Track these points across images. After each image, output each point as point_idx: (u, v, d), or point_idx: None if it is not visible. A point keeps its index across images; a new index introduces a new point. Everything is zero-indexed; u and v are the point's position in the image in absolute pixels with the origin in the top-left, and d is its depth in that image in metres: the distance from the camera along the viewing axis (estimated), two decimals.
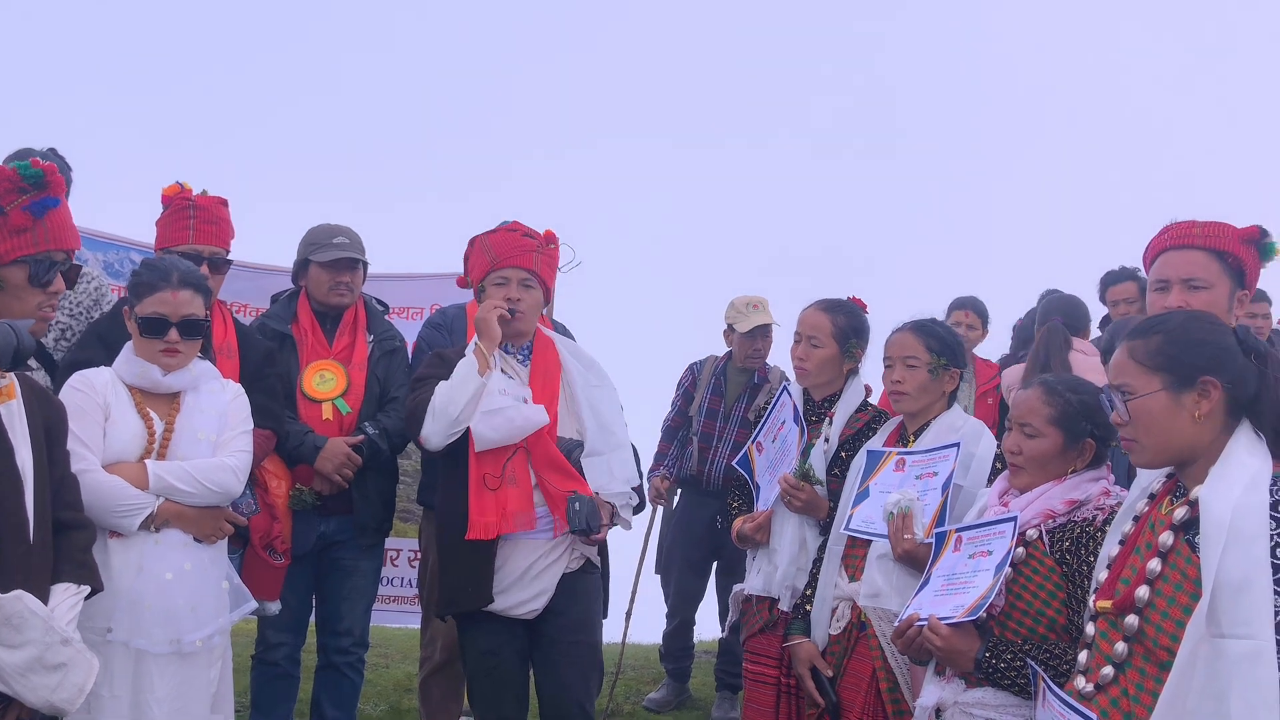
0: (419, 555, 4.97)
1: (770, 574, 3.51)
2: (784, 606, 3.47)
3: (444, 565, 3.50)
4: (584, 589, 3.47)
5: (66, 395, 2.85)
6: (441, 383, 3.38)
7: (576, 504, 3.33)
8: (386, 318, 4.53)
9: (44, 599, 2.39)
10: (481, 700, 3.49)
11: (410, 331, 5.04)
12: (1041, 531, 2.64)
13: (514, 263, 3.53)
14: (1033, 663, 2.41)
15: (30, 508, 2.41)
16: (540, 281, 3.58)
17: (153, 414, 2.98)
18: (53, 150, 3.92)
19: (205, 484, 2.95)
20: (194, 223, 3.76)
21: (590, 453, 3.49)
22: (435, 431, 3.35)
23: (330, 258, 4.13)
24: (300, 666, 4.26)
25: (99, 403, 2.90)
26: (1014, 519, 2.64)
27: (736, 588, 3.70)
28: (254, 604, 3.15)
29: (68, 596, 2.46)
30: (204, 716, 2.93)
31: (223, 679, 3.03)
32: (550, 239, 3.63)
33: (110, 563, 2.71)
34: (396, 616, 5.56)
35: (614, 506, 3.50)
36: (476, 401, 3.33)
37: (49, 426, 2.56)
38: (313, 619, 4.35)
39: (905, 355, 3.34)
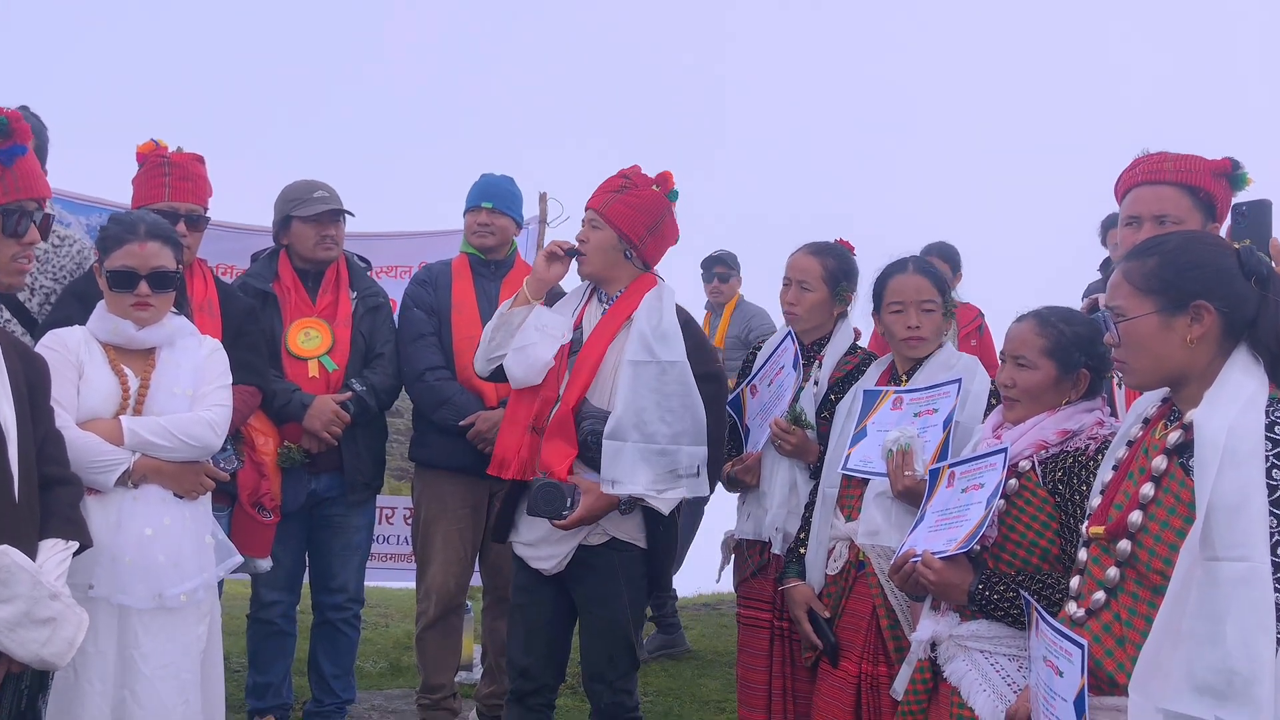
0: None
1: (760, 518, 3.48)
2: (776, 549, 3.44)
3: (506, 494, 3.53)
4: (601, 565, 3.34)
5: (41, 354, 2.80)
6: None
7: (534, 487, 3.25)
8: (370, 274, 4.47)
9: (31, 555, 2.36)
10: (512, 634, 3.52)
11: (400, 290, 5.01)
12: (1034, 462, 2.60)
13: (589, 203, 3.46)
14: (1025, 593, 2.38)
15: (14, 464, 2.38)
16: (610, 222, 3.38)
17: (127, 370, 2.93)
18: (25, 108, 3.85)
19: (182, 438, 2.91)
20: (169, 179, 3.69)
21: (610, 435, 3.22)
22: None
23: (314, 211, 4.07)
24: (296, 624, 4.25)
25: (72, 360, 2.86)
26: (1004, 450, 2.60)
27: (726, 532, 3.66)
28: (239, 559, 3.12)
29: (56, 552, 2.43)
30: (193, 672, 2.90)
31: (211, 635, 3.00)
32: (659, 181, 3.44)
33: (89, 519, 2.66)
34: (395, 575, 5.55)
35: (612, 499, 3.26)
36: (505, 331, 3.36)
37: (31, 382, 2.52)
38: (307, 577, 4.35)
39: (922, 300, 3.27)
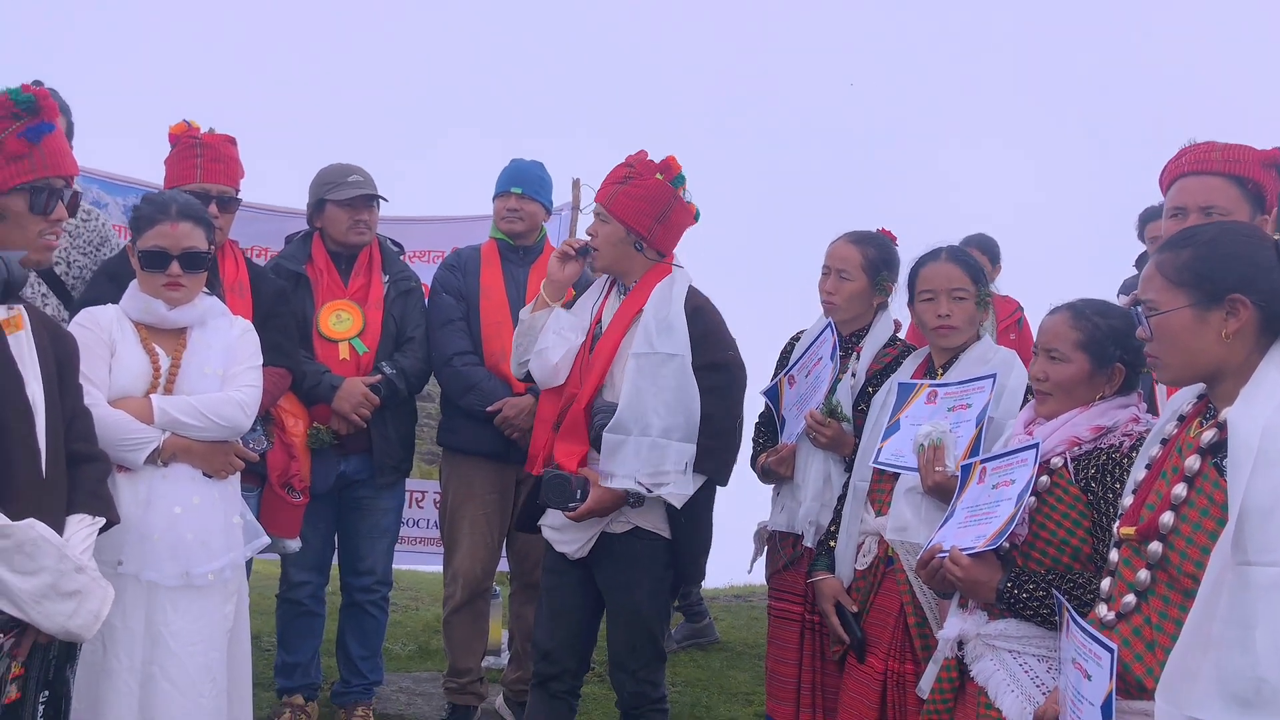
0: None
1: (794, 510, 3.44)
2: (808, 542, 3.40)
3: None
4: (623, 554, 3.34)
5: (72, 332, 2.82)
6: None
7: (543, 479, 3.29)
8: (402, 259, 4.48)
9: (59, 530, 2.38)
10: (538, 618, 3.53)
11: (430, 274, 5.01)
12: (1066, 459, 2.55)
13: (597, 196, 3.48)
14: (1057, 593, 2.33)
15: (42, 439, 2.40)
16: (615, 215, 3.37)
17: (159, 349, 2.96)
18: (39, 83, 3.88)
19: (211, 418, 2.93)
20: (201, 161, 3.71)
21: (612, 429, 3.24)
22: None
23: (348, 195, 4.08)
24: (325, 605, 4.28)
25: (104, 339, 2.88)
26: (1035, 446, 2.54)
27: (759, 524, 3.63)
28: (266, 540, 3.14)
29: (82, 527, 2.45)
30: (220, 650, 2.92)
31: (239, 614, 3.03)
32: (662, 168, 3.40)
33: (118, 497, 2.69)
34: (425, 558, 5.56)
35: (618, 491, 3.25)
36: (527, 335, 3.46)
37: (60, 359, 2.54)
38: (336, 558, 4.38)
39: (953, 288, 3.21)
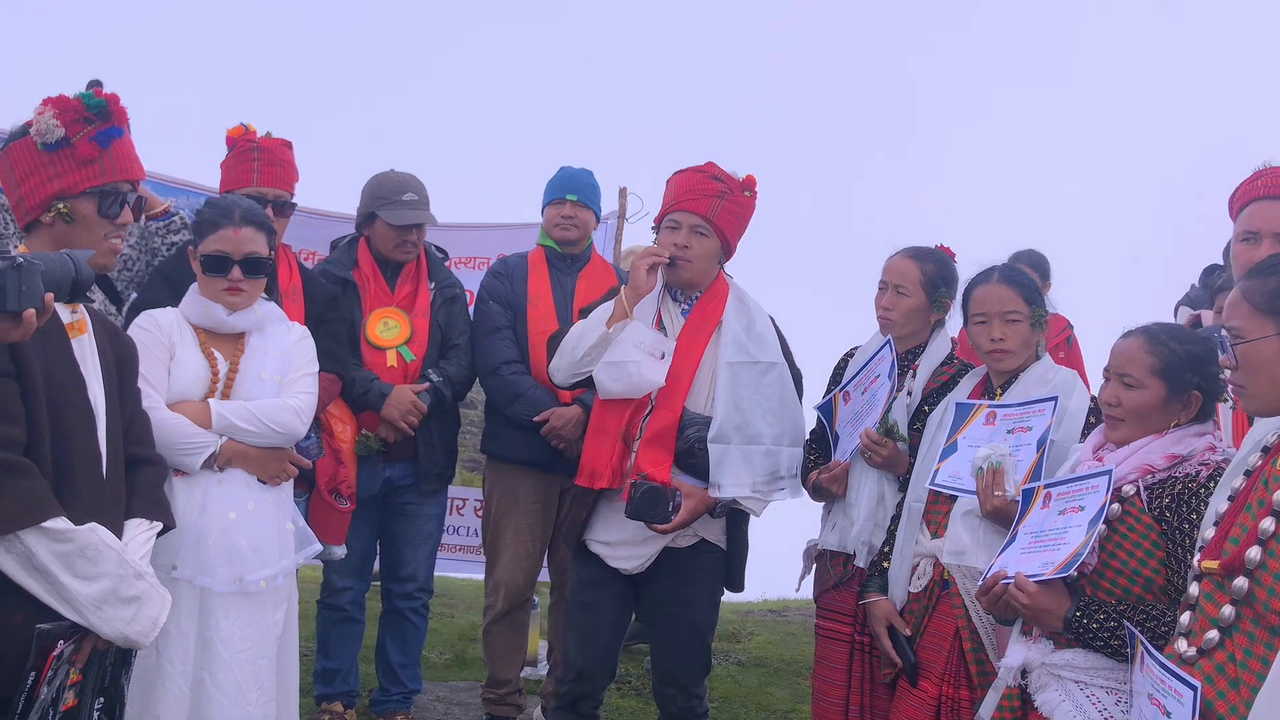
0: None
1: (846, 529, 3.38)
2: (860, 563, 3.35)
3: (575, 499, 3.52)
4: (689, 567, 3.34)
5: (132, 334, 2.83)
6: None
7: (635, 490, 3.21)
8: (447, 265, 4.47)
9: (118, 534, 2.38)
10: (570, 632, 3.47)
11: (476, 281, 5.01)
12: (1139, 487, 2.48)
13: (688, 206, 3.36)
14: (1129, 625, 2.28)
15: (103, 443, 2.40)
16: (718, 230, 3.38)
17: (217, 354, 2.96)
18: (98, 83, 3.90)
19: (268, 424, 2.92)
20: (258, 165, 3.72)
21: (715, 439, 3.26)
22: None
23: (402, 222, 4.07)
24: (365, 611, 4.27)
25: (164, 342, 2.89)
26: (1109, 472, 2.49)
27: (809, 541, 3.58)
28: (319, 547, 3.13)
29: (140, 532, 2.45)
30: (269, 658, 2.91)
31: (288, 621, 3.01)
32: (747, 185, 3.41)
33: (174, 501, 2.68)
34: (462, 566, 5.56)
35: (714, 501, 3.29)
36: (602, 348, 3.27)
37: (120, 361, 2.54)
38: (377, 566, 4.37)
39: (1006, 310, 3.14)
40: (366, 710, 4.31)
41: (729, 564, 3.44)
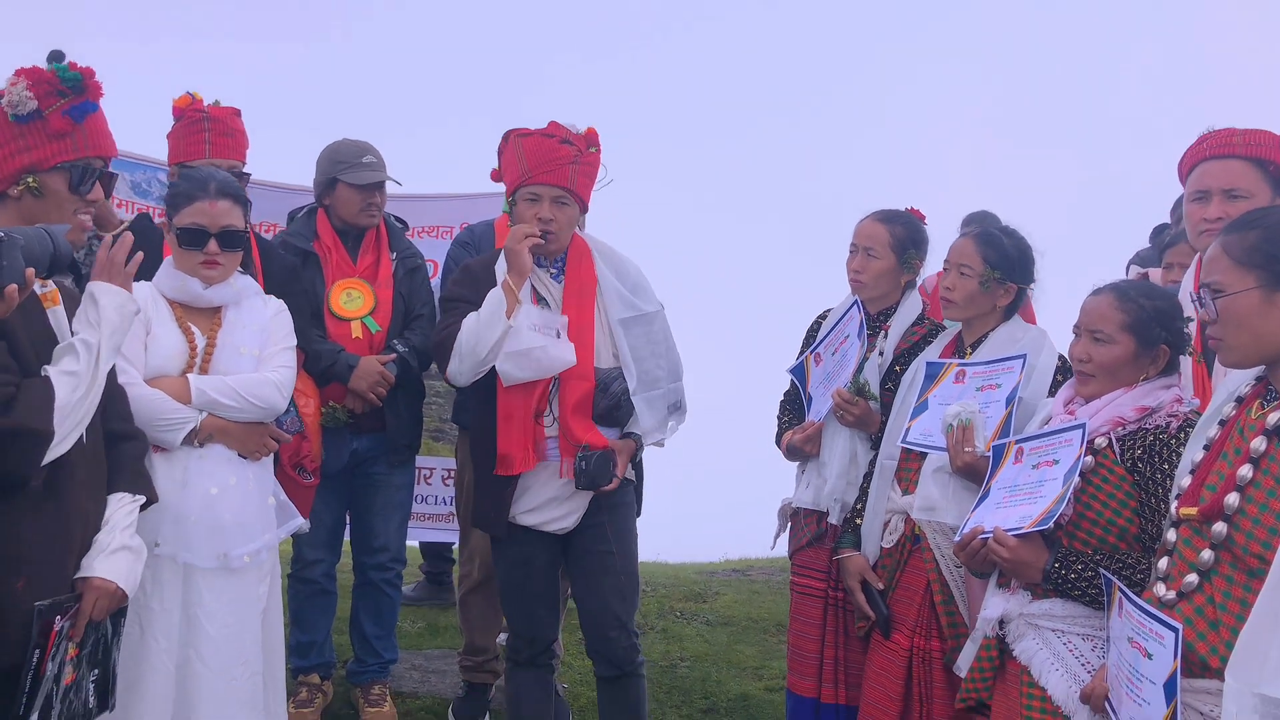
0: (453, 474, 4.95)
1: (820, 487, 3.45)
2: (833, 520, 3.42)
3: (477, 486, 3.47)
4: (616, 504, 3.39)
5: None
6: (469, 318, 3.21)
7: (583, 462, 3.22)
8: (407, 235, 4.43)
9: (100, 509, 2.38)
10: (513, 611, 3.47)
11: (441, 250, 4.97)
12: (1111, 439, 2.56)
13: (547, 179, 3.28)
14: (1106, 573, 2.35)
15: None
16: (576, 197, 3.35)
17: (194, 328, 2.92)
18: (60, 53, 3.79)
19: (248, 399, 2.90)
20: (209, 135, 3.64)
21: (636, 390, 3.36)
22: (461, 371, 3.24)
23: (364, 181, 4.01)
24: (337, 583, 4.26)
25: (139, 317, 2.83)
26: (1082, 426, 2.56)
27: (784, 500, 3.64)
28: (302, 521, 3.12)
29: (123, 505, 2.44)
30: (254, 632, 2.91)
31: (271, 595, 3.01)
32: (591, 140, 3.38)
33: (155, 477, 2.66)
34: (430, 533, 5.56)
35: (636, 446, 3.41)
36: (502, 343, 3.19)
37: None
38: (348, 538, 4.35)
39: (961, 262, 3.23)
40: (343, 681, 4.31)
41: (639, 492, 3.58)
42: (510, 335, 3.18)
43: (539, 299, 3.34)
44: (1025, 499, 2.63)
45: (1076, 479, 2.51)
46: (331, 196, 4.08)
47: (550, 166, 3.29)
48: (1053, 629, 2.54)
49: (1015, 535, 2.53)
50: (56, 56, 2.48)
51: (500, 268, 3.28)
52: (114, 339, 2.37)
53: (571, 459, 3.24)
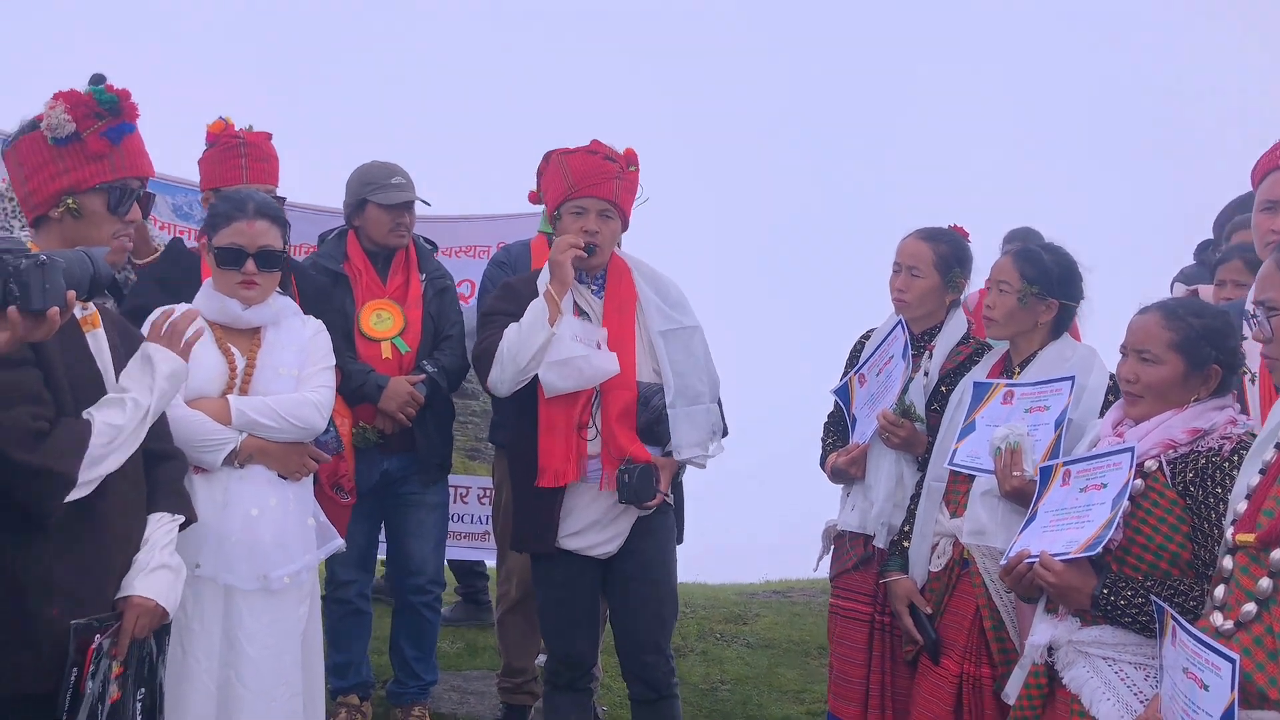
0: (489, 493, 4.94)
1: (866, 510, 3.40)
2: (879, 543, 3.36)
3: (516, 506, 3.45)
4: (658, 528, 3.39)
5: (147, 331, 2.80)
6: (510, 328, 3.23)
7: (626, 475, 3.22)
8: (438, 256, 4.46)
9: (140, 529, 2.39)
10: (552, 634, 3.47)
11: (477, 270, 4.99)
12: (1161, 462, 2.50)
13: (593, 192, 3.33)
14: (1158, 600, 2.29)
15: None
16: (619, 211, 3.40)
17: (234, 349, 2.93)
18: (101, 76, 3.84)
19: (288, 419, 2.90)
20: (245, 161, 3.69)
21: (669, 405, 3.33)
22: (502, 380, 3.26)
23: (394, 201, 4.03)
24: (370, 602, 4.26)
25: None
26: (1131, 449, 2.50)
27: (828, 522, 3.59)
28: (341, 542, 3.12)
29: (163, 525, 2.45)
30: (294, 653, 2.90)
31: (311, 616, 3.01)
32: (630, 159, 3.43)
33: (195, 498, 2.67)
34: (467, 553, 5.55)
35: (678, 465, 3.38)
36: (545, 351, 3.20)
37: (131, 357, 2.51)
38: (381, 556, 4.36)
39: (1000, 279, 3.18)
40: (382, 701, 4.31)
41: (677, 517, 3.53)
42: (553, 344, 3.20)
43: (580, 313, 3.36)
44: (1072, 523, 2.56)
45: (1125, 503, 2.45)
46: (361, 218, 4.11)
47: (595, 180, 3.35)
48: (1103, 656, 2.47)
49: (1062, 560, 2.47)
50: (97, 79, 2.51)
51: (542, 282, 3.30)
52: (161, 403, 2.41)
53: (614, 472, 3.24)
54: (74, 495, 2.19)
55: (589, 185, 3.34)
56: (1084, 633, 2.50)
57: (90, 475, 2.21)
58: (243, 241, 2.92)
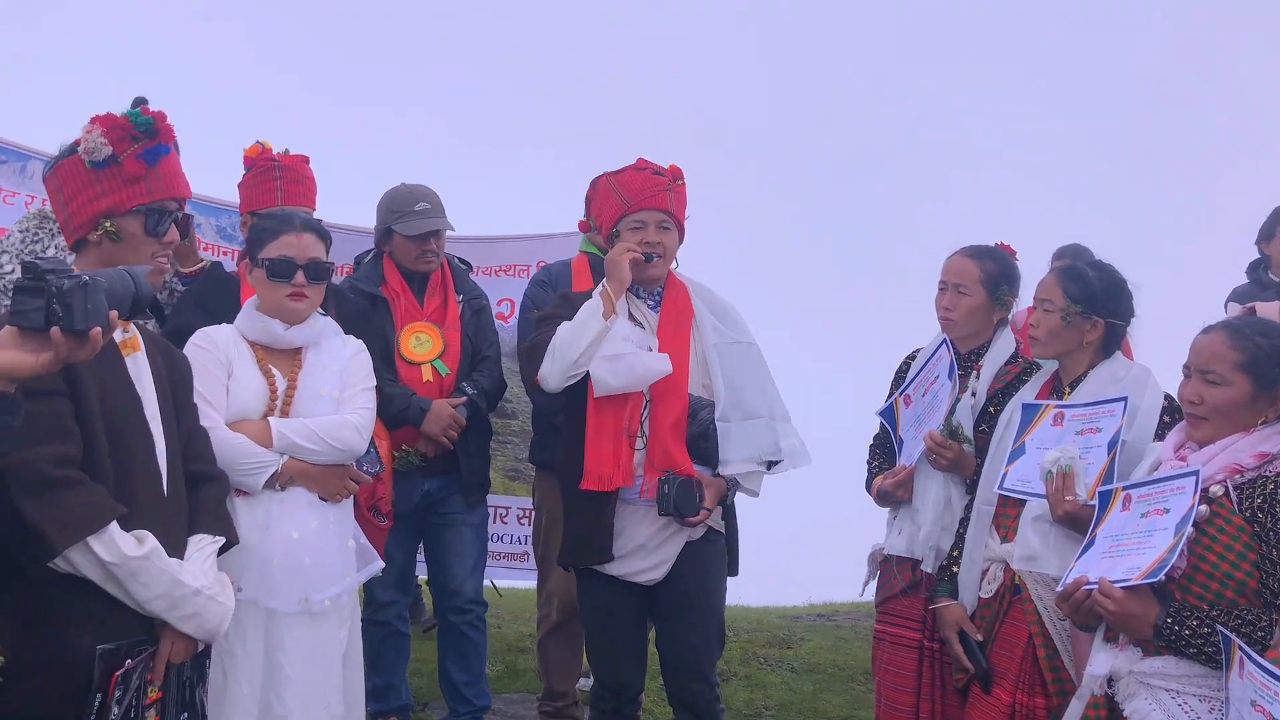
0: (529, 513, 4.92)
1: (913, 534, 3.31)
2: (927, 568, 3.28)
3: (567, 516, 3.40)
4: (707, 556, 3.33)
5: (189, 353, 2.80)
6: (564, 323, 3.24)
7: (666, 485, 3.16)
8: (473, 275, 4.45)
9: (180, 551, 2.36)
10: (598, 657, 3.44)
11: (516, 289, 4.98)
12: (1228, 487, 2.41)
13: (649, 204, 3.35)
14: (1225, 631, 2.20)
15: (162, 461, 2.38)
16: (675, 221, 3.40)
17: (275, 371, 2.92)
18: (143, 100, 3.87)
19: (330, 442, 2.88)
20: (281, 184, 3.71)
21: (719, 418, 3.28)
22: (553, 372, 3.22)
23: (416, 231, 4.03)
24: (409, 624, 4.23)
25: (221, 360, 2.85)
26: (1196, 473, 2.41)
27: (874, 546, 3.51)
28: (381, 564, 3.10)
29: (202, 548, 2.42)
30: (335, 676, 2.88)
31: (352, 639, 2.98)
32: (677, 174, 3.44)
33: (237, 521, 2.66)
34: (506, 574, 5.53)
35: (726, 484, 3.30)
36: (598, 345, 3.19)
37: (175, 379, 2.53)
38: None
39: (1044, 298, 3.10)
40: None
41: (730, 546, 3.45)
42: (606, 340, 3.19)
43: (635, 322, 3.35)
44: (1133, 549, 2.48)
45: (1190, 529, 2.36)
46: (390, 244, 4.11)
47: (649, 193, 3.37)
48: (1166, 688, 2.38)
49: (1123, 587, 2.39)
50: (139, 102, 2.51)
51: (597, 296, 3.30)
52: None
53: (655, 481, 3.19)
54: (61, 566, 2.14)
55: (644, 199, 3.36)
56: (1146, 663, 2.42)
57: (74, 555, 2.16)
58: (292, 253, 2.92)
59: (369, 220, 4.31)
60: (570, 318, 3.25)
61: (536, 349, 3.26)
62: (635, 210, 3.35)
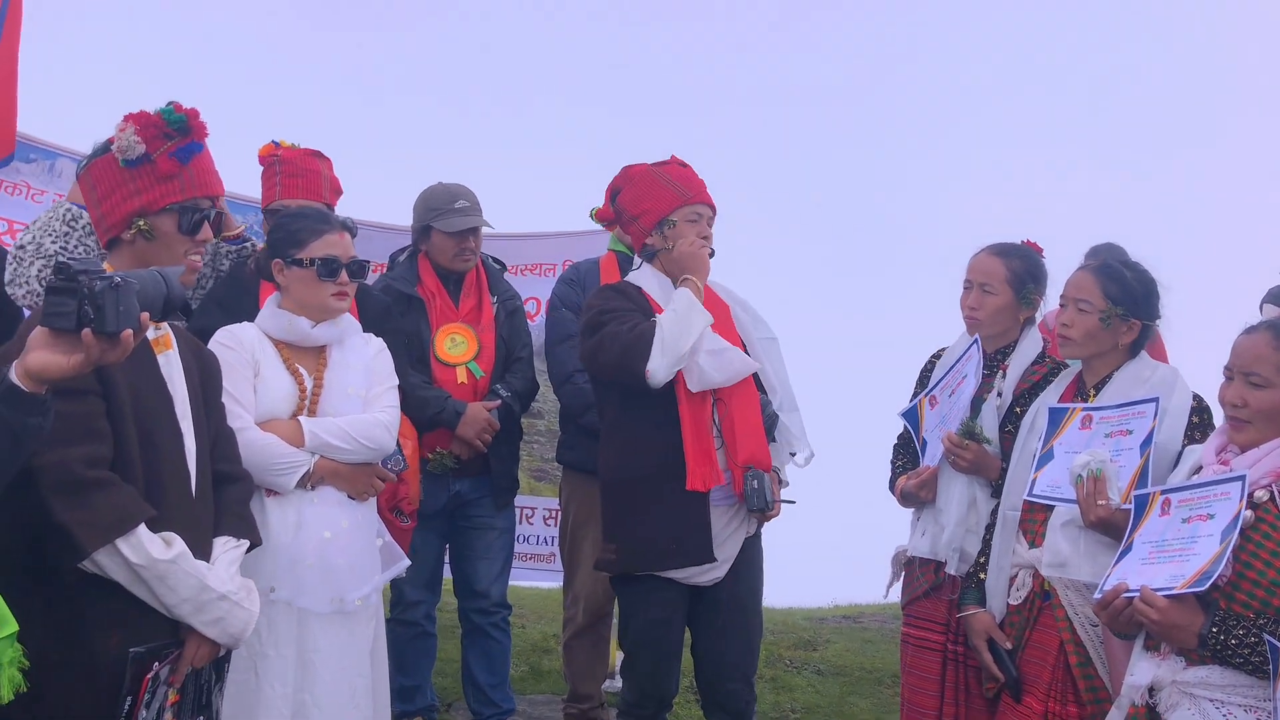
0: (555, 514, 4.89)
1: (937, 535, 3.26)
2: (951, 570, 3.22)
3: (633, 518, 3.27)
4: (755, 555, 3.35)
5: (214, 351, 2.78)
6: (667, 314, 3.17)
7: (754, 481, 3.17)
8: (506, 274, 4.43)
9: (206, 552, 2.36)
10: (646, 669, 3.34)
11: (543, 288, 4.94)
12: (1274, 492, 2.36)
13: (703, 198, 3.39)
14: (1271, 639, 2.15)
15: (192, 461, 2.38)
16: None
17: (301, 369, 2.90)
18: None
19: (361, 440, 2.87)
20: (280, 177, 3.67)
21: (781, 408, 3.38)
22: (662, 366, 3.13)
23: (457, 228, 4.01)
24: (436, 625, 4.21)
25: (247, 359, 2.84)
26: (1242, 478, 2.36)
27: (898, 548, 3.47)
28: (407, 563, 3.09)
29: (227, 549, 2.42)
30: (365, 675, 2.87)
31: (377, 636, 2.97)
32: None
33: (268, 521, 2.66)
34: (534, 575, 5.51)
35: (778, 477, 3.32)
36: (704, 339, 3.18)
37: (205, 377, 2.53)
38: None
39: (1079, 298, 3.03)
40: None
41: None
42: (705, 335, 3.18)
43: None
44: (1175, 556, 2.42)
45: (1236, 536, 2.31)
46: (427, 243, 4.09)
47: (700, 187, 3.41)
48: (1211, 699, 2.33)
49: (1166, 595, 2.33)
50: (174, 104, 2.51)
51: (652, 287, 3.33)
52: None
53: (740, 477, 3.19)
54: (88, 568, 2.14)
55: (698, 191, 3.40)
56: (1190, 673, 2.36)
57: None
58: (338, 252, 2.94)
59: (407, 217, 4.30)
60: (633, 309, 3.24)
61: (639, 343, 3.14)
62: (694, 201, 3.37)
